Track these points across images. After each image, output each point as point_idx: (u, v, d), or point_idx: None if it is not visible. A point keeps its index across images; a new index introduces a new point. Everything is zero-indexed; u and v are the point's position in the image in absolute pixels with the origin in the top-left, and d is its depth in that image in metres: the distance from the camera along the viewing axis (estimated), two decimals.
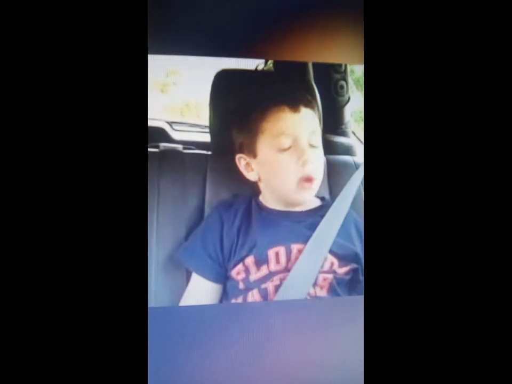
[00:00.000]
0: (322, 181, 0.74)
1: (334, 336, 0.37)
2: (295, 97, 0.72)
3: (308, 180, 0.69)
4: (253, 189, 0.77)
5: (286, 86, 0.78)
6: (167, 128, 1.50)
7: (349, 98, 1.06)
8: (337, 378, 0.36)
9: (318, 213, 0.74)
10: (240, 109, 0.76)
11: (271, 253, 0.68)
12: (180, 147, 0.93)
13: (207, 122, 0.84)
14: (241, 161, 0.74)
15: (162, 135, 1.42)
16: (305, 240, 0.69)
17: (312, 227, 0.71)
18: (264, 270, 0.67)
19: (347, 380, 0.35)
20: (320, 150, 0.73)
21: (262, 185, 0.76)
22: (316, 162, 0.70)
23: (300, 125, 0.70)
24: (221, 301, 0.71)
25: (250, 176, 0.75)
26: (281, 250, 0.69)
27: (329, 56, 0.50)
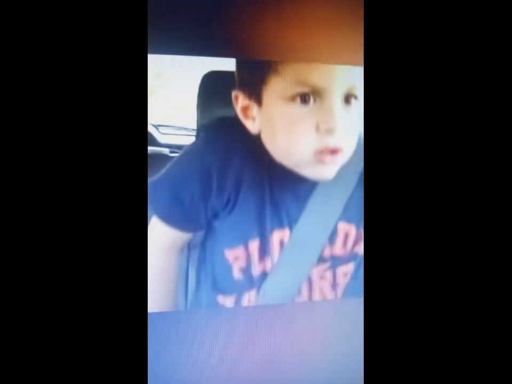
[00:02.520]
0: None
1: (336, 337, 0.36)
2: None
3: (333, 151, 0.49)
4: (248, 137, 0.55)
5: None
6: (154, 131, 1.48)
7: None
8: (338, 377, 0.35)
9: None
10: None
11: (275, 239, 0.52)
12: (166, 150, 0.91)
13: (194, 126, 0.82)
14: (239, 100, 0.54)
15: (148, 138, 1.40)
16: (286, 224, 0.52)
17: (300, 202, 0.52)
18: (267, 265, 0.51)
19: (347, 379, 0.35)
20: (356, 109, 0.50)
21: (265, 140, 0.54)
22: (349, 130, 0.50)
23: (330, 69, 0.48)
24: (198, 269, 0.55)
25: (248, 124, 0.54)
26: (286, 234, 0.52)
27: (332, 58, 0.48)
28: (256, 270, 0.52)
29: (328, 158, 0.50)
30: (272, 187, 0.52)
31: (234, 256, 0.53)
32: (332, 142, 0.49)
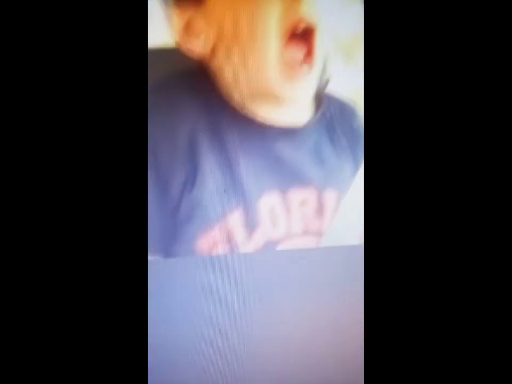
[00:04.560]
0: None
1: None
2: None
3: (304, 38, 0.40)
4: (202, 82, 0.43)
5: None
6: None
7: None
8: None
9: (321, 125, 0.47)
10: None
11: (262, 205, 0.43)
12: None
13: None
14: (174, 19, 0.41)
15: None
16: (309, 182, 0.45)
17: (317, 153, 0.46)
18: (259, 238, 0.42)
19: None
20: None
21: (218, 68, 0.42)
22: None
23: None
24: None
25: (194, 46, 0.41)
26: (276, 202, 0.43)
27: None
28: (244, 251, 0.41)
29: (300, 68, 0.39)
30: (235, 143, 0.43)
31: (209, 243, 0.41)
32: (302, 13, 0.38)
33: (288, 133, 0.45)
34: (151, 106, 0.40)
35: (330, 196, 0.46)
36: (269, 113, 0.44)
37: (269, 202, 0.44)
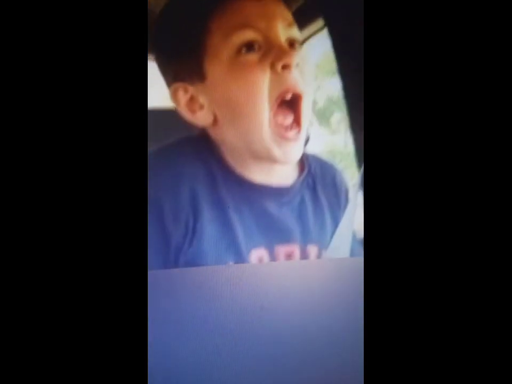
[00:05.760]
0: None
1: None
2: None
3: (294, 101, 0.44)
4: (203, 147, 0.49)
5: None
6: None
7: None
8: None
9: (305, 185, 0.52)
10: (168, 12, 0.49)
11: (252, 258, 0.47)
12: None
13: None
14: (180, 94, 0.47)
15: None
16: (293, 239, 0.49)
17: (301, 212, 0.50)
18: None
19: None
20: (303, 53, 0.48)
21: (218, 135, 0.48)
22: (303, 69, 0.46)
23: (270, 15, 0.45)
24: None
25: (198, 119, 0.47)
26: (264, 255, 0.48)
27: None
28: None
29: (290, 133, 0.45)
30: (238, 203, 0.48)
31: None
32: (291, 84, 0.44)
33: (277, 192, 0.50)
34: (156, 166, 0.46)
35: (312, 250, 0.51)
36: (260, 175, 0.49)
37: (257, 255, 0.48)
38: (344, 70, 0.70)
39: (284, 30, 0.46)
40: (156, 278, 0.32)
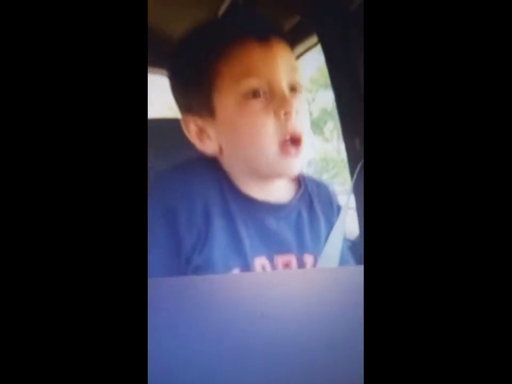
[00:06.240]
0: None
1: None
2: (265, 26, 0.53)
3: (294, 141, 0.50)
4: (214, 167, 0.56)
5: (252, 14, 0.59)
6: None
7: None
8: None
9: (302, 201, 0.58)
10: (183, 51, 0.55)
11: (256, 265, 0.53)
12: None
13: None
14: (191, 126, 0.53)
15: None
16: (290, 249, 0.55)
17: (298, 225, 0.56)
18: None
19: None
20: (303, 96, 0.54)
21: (224, 161, 0.55)
22: (302, 114, 0.51)
23: (274, 62, 0.51)
24: None
25: (206, 147, 0.54)
26: (266, 263, 0.54)
27: None
28: None
29: (292, 149, 0.51)
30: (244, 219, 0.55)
31: None
32: (291, 129, 0.50)
33: (275, 208, 0.56)
34: (174, 181, 0.54)
35: (308, 259, 0.57)
36: (261, 193, 0.56)
37: (260, 263, 0.53)
38: (337, 83, 0.76)
39: (287, 75, 0.51)
40: (157, 285, 0.33)
